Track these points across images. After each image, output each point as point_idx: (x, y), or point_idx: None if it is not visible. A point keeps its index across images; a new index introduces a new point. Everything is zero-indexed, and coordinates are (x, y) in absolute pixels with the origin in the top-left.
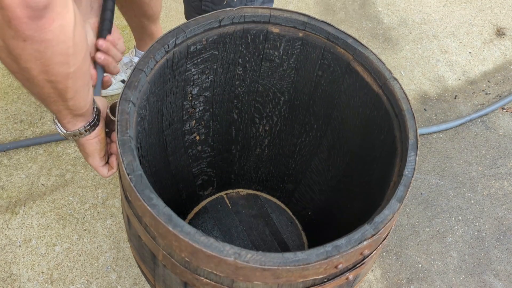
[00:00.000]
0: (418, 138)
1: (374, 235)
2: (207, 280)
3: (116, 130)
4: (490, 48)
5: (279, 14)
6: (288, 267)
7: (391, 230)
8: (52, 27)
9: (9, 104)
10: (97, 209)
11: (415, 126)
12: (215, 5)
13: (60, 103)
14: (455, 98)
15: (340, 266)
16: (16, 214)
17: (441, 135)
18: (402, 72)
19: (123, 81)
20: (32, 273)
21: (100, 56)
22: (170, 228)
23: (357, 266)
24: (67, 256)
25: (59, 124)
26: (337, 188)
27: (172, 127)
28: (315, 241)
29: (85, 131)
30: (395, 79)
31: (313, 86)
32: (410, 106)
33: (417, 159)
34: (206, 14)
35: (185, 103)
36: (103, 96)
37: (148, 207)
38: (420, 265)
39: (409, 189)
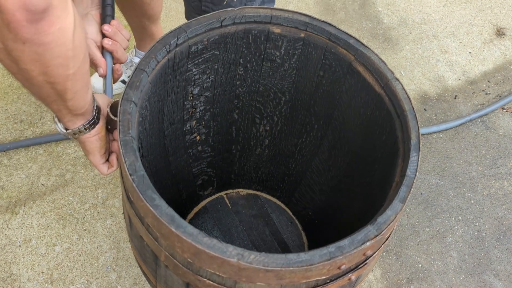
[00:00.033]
0: (421, 138)
1: (377, 235)
2: (210, 281)
3: (118, 130)
4: (490, 48)
5: (280, 14)
6: (291, 268)
7: (393, 230)
8: (51, 30)
9: (9, 104)
10: (97, 209)
11: (417, 127)
12: (215, 6)
13: (60, 103)
14: (455, 98)
15: (343, 267)
16: (16, 214)
17: (441, 135)
18: (402, 72)
19: (123, 82)
20: (32, 273)
21: (107, 42)
22: (173, 229)
23: (360, 266)
24: (67, 256)
25: (58, 123)
26: (337, 188)
27: (173, 127)
28: (315, 241)
29: (85, 129)
30: (397, 79)
31: (314, 86)
32: (412, 107)
33: (419, 160)
34: (208, 14)
35: (186, 103)
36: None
37: (151, 208)
38: (420, 265)
39: (412, 189)
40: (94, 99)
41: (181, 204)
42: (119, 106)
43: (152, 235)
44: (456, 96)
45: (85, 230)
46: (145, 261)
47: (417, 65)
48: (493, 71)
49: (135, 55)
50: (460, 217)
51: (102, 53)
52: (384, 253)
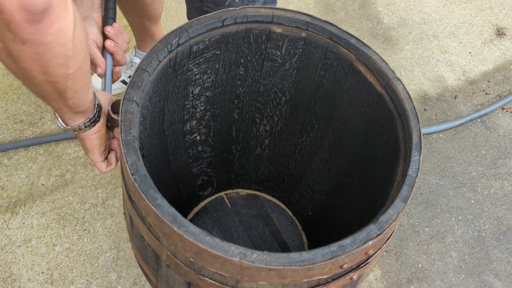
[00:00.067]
0: (422, 138)
1: (379, 235)
2: (212, 281)
3: (119, 130)
4: (490, 48)
5: (282, 14)
6: (293, 267)
7: (395, 230)
8: (51, 30)
9: (9, 104)
10: (97, 209)
11: (419, 126)
12: (217, 6)
13: (60, 101)
14: (455, 98)
15: (345, 266)
16: (16, 214)
17: (441, 135)
18: (402, 72)
19: (123, 82)
20: (32, 273)
21: (110, 43)
22: (175, 228)
23: (361, 266)
24: (67, 256)
25: (59, 119)
26: (337, 188)
27: (173, 127)
28: (315, 241)
29: (85, 126)
30: (398, 79)
31: (315, 86)
32: (414, 106)
33: (421, 159)
34: (209, 14)
35: (186, 103)
36: None
37: (153, 207)
38: (420, 265)
39: (413, 189)
40: (95, 97)
41: (181, 204)
42: (120, 105)
43: (154, 234)
44: (456, 96)
45: (85, 230)
46: (146, 261)
47: (417, 65)
48: (493, 71)
49: (135, 55)
50: (460, 217)
51: (102, 54)
52: (384, 253)
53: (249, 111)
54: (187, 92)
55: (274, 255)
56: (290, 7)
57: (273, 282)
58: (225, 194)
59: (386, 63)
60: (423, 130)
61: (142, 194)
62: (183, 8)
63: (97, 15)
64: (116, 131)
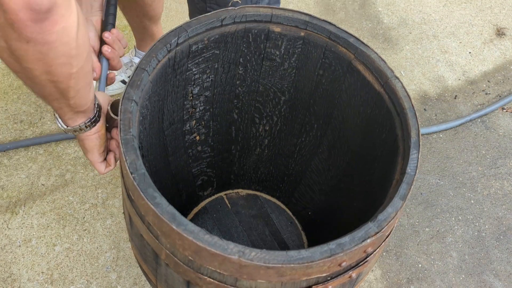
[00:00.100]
0: (420, 136)
1: (377, 232)
2: (211, 279)
3: (119, 129)
4: (490, 48)
5: (280, 13)
6: (292, 265)
7: (394, 228)
8: (55, 29)
9: (9, 104)
10: (97, 209)
11: (417, 125)
12: (220, 7)
13: (62, 101)
14: (455, 98)
15: (343, 264)
16: (16, 214)
17: (441, 135)
18: (402, 72)
19: (123, 82)
20: (32, 273)
21: (107, 49)
22: (174, 227)
23: (360, 264)
24: (67, 256)
25: (59, 119)
26: (337, 187)
27: (173, 127)
28: (315, 241)
29: (86, 127)
30: (397, 77)
31: (314, 86)
32: (412, 105)
33: (419, 157)
34: (208, 13)
35: (185, 102)
36: None
37: (152, 206)
38: (420, 265)
39: (412, 187)
40: (95, 97)
41: (181, 205)
42: (120, 104)
43: (153, 233)
44: (456, 96)
45: (85, 230)
46: (146, 260)
47: (417, 65)
48: (493, 71)
49: (135, 55)
50: (460, 217)
51: (98, 58)
52: (384, 253)
53: (248, 111)
54: (186, 91)
55: (273, 253)
56: (290, 7)
57: (272, 280)
58: (225, 194)
59: (385, 62)
60: (423, 130)
61: (141, 192)
62: (183, 8)
63: (96, 19)
64: (114, 131)
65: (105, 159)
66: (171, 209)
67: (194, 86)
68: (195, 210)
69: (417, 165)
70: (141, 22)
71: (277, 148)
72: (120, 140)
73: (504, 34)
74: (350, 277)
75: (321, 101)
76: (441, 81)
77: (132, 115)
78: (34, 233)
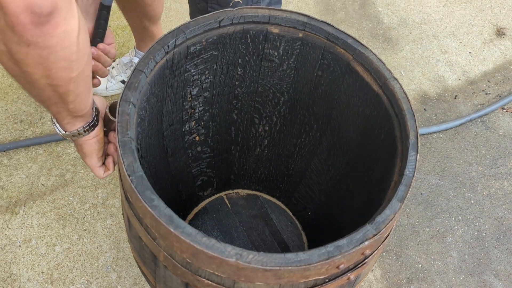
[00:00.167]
0: (419, 137)
1: (375, 235)
2: (209, 281)
3: (116, 131)
4: (490, 48)
5: (278, 14)
6: (290, 267)
7: (392, 229)
8: (56, 32)
9: (9, 104)
10: (97, 209)
11: (416, 126)
12: (221, 7)
13: (61, 105)
14: (455, 98)
15: (341, 266)
16: (16, 214)
17: (441, 135)
18: (402, 72)
19: (123, 82)
20: (32, 273)
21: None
22: (171, 229)
23: (359, 266)
24: (67, 256)
25: (57, 125)
26: (337, 188)
27: (172, 127)
28: (315, 241)
29: (84, 131)
30: (395, 78)
31: (312, 86)
32: (411, 106)
33: (417, 159)
34: (206, 15)
35: (184, 103)
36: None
37: (149, 208)
38: (420, 265)
39: (410, 189)
40: (93, 101)
41: (181, 205)
42: (117, 107)
43: (151, 235)
44: (456, 96)
45: (85, 230)
46: (144, 261)
47: (417, 65)
48: (493, 71)
49: (135, 55)
50: (460, 217)
51: None
52: (384, 253)
53: (248, 111)
54: (185, 93)
55: (270, 255)
56: (290, 7)
57: (269, 283)
58: (225, 194)
59: (383, 63)
60: (423, 130)
61: (138, 195)
62: (183, 8)
63: (89, 26)
64: (112, 135)
65: (103, 163)
66: (168, 211)
67: (193, 87)
68: (195, 210)
69: (415, 167)
70: (141, 22)
71: (276, 149)
72: (117, 142)
73: (504, 34)
74: (348, 279)
75: (320, 101)
76: (441, 81)
77: (129, 117)
78: (34, 233)
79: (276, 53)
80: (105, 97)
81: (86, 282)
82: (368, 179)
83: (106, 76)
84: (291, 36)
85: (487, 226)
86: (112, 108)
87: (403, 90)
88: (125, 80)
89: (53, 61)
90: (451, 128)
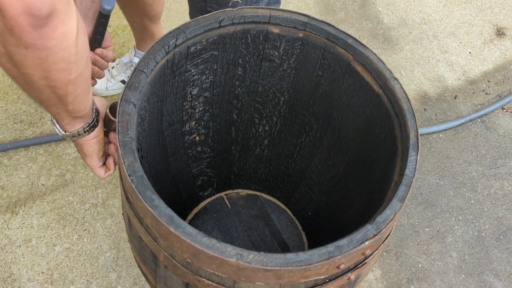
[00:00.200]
0: (419, 137)
1: (376, 235)
2: (209, 281)
3: (117, 131)
4: (490, 48)
5: (279, 14)
6: (290, 267)
7: (392, 230)
8: (55, 34)
9: (9, 104)
10: (97, 209)
11: (416, 126)
12: (220, 7)
13: (60, 107)
14: (455, 98)
15: (342, 266)
16: (16, 214)
17: (441, 135)
18: (402, 72)
19: (123, 82)
20: (32, 273)
21: None
22: (172, 229)
23: (359, 266)
24: (67, 256)
25: (57, 125)
26: (337, 188)
27: (172, 127)
28: (315, 241)
29: (84, 132)
30: (396, 79)
31: (313, 86)
32: (411, 106)
33: (418, 159)
34: (207, 15)
35: (184, 103)
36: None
37: (150, 208)
38: (420, 265)
39: (410, 189)
40: (93, 102)
41: (181, 205)
42: (117, 107)
43: (151, 235)
44: (456, 96)
45: (85, 230)
46: (145, 261)
47: (417, 65)
48: (493, 71)
49: (134, 55)
50: (460, 217)
51: None
52: (384, 253)
53: (248, 111)
54: (185, 93)
55: (271, 255)
56: (290, 7)
57: (270, 283)
58: (225, 194)
59: (384, 63)
60: (423, 130)
61: (139, 195)
62: (183, 8)
63: (88, 30)
64: (112, 135)
65: (104, 163)
66: (169, 211)
67: (193, 87)
68: (195, 210)
69: (415, 167)
70: (141, 21)
71: (277, 149)
72: (118, 142)
73: (504, 34)
74: (348, 279)
75: (321, 101)
76: (441, 81)
77: (130, 117)
78: (34, 233)
79: (276, 53)
80: (105, 97)
81: (86, 282)
82: (369, 179)
83: (103, 77)
84: (292, 36)
85: (487, 226)
86: (113, 108)
87: (404, 90)
88: (125, 80)
89: (52, 63)
90: (451, 128)
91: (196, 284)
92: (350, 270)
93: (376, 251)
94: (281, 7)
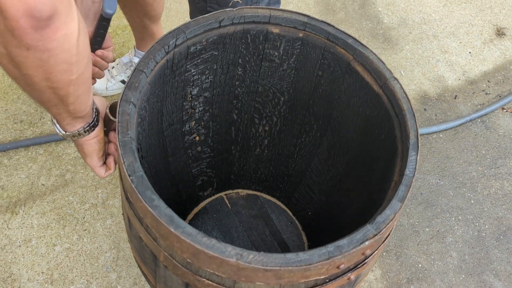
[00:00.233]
0: (419, 137)
1: (376, 235)
2: (209, 281)
3: (116, 131)
4: (490, 48)
5: (279, 14)
6: (290, 267)
7: (392, 230)
8: (56, 36)
9: (9, 104)
10: (97, 209)
11: (416, 126)
12: (220, 7)
13: (61, 107)
14: (455, 98)
15: (342, 266)
16: (16, 214)
17: (441, 135)
18: (402, 72)
19: (123, 82)
20: (32, 273)
21: None
22: (172, 229)
23: (359, 266)
24: (67, 256)
25: (58, 125)
26: (337, 188)
27: (172, 127)
28: (315, 241)
29: (84, 131)
30: (396, 79)
31: (313, 86)
32: (411, 106)
33: (418, 159)
34: (206, 15)
35: (184, 103)
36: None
37: (150, 208)
38: (420, 265)
39: (410, 189)
40: (93, 102)
41: (181, 205)
42: (117, 107)
43: (151, 235)
44: (456, 96)
45: (85, 230)
46: (145, 261)
47: (417, 65)
48: (493, 71)
49: (134, 55)
50: (460, 217)
51: None
52: (384, 253)
53: (248, 111)
54: (185, 93)
55: (271, 255)
56: (290, 7)
57: (270, 283)
58: (225, 194)
59: (383, 63)
60: (423, 130)
61: (139, 195)
62: (183, 8)
63: (88, 31)
64: (112, 135)
65: (104, 163)
66: (169, 211)
67: (193, 87)
68: (195, 210)
69: (415, 167)
70: (142, 21)
71: (277, 149)
72: (118, 142)
73: (504, 34)
74: (348, 279)
75: (321, 101)
76: (441, 81)
77: (130, 117)
78: (34, 233)
79: (276, 53)
80: (105, 97)
81: (86, 282)
82: (368, 179)
83: (102, 77)
84: (292, 36)
85: (487, 226)
86: (112, 108)
87: (403, 90)
88: (125, 80)
89: (53, 64)
90: (451, 128)
91: (196, 284)
92: (350, 270)
93: (376, 251)
94: (281, 7)
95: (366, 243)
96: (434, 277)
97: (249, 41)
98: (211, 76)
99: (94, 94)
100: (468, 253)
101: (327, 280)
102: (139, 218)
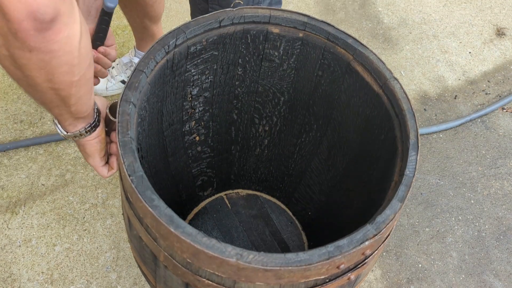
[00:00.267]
0: (419, 137)
1: (376, 235)
2: (209, 281)
3: (116, 131)
4: (490, 48)
5: (279, 14)
6: (290, 267)
7: (392, 229)
8: (58, 38)
9: (9, 104)
10: (97, 209)
11: (416, 126)
12: (222, 7)
13: (62, 108)
14: (455, 98)
15: (342, 266)
16: (16, 214)
17: (441, 135)
18: (402, 72)
19: (123, 82)
20: (32, 273)
21: None
22: (172, 229)
23: (359, 266)
24: (67, 256)
25: (59, 126)
26: (337, 188)
27: (172, 127)
28: (315, 241)
29: (86, 132)
30: (396, 79)
31: (313, 86)
32: (411, 106)
33: (418, 159)
34: (207, 15)
35: (184, 103)
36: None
37: (150, 208)
38: (420, 265)
39: (410, 189)
40: (94, 102)
41: (181, 205)
42: (117, 107)
43: (151, 235)
44: (456, 96)
45: (85, 230)
46: (145, 261)
47: (417, 65)
48: (493, 71)
49: (134, 55)
50: (460, 217)
51: None
52: (384, 253)
53: (248, 111)
54: (185, 93)
55: (271, 255)
56: (290, 7)
57: (270, 283)
58: (225, 194)
59: (383, 63)
60: (423, 130)
61: (139, 195)
62: (183, 8)
63: (90, 27)
64: (113, 135)
65: (107, 162)
66: (169, 211)
67: (193, 87)
68: (195, 210)
69: (415, 167)
70: (142, 22)
71: (277, 149)
72: (118, 143)
73: (504, 34)
74: (348, 279)
75: (321, 101)
76: (441, 81)
77: (130, 117)
78: (34, 233)
79: (276, 53)
80: (105, 97)
81: (86, 282)
82: (368, 179)
83: (106, 76)
84: (292, 36)
85: (487, 226)
86: (112, 108)
87: (403, 90)
88: (125, 80)
89: (55, 66)
90: (451, 128)
91: (196, 284)
92: (350, 270)
93: (376, 251)
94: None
95: (366, 243)
96: (434, 277)
97: (249, 41)
98: (211, 76)
99: (94, 94)
100: (468, 253)
101: (327, 280)
102: (139, 218)
